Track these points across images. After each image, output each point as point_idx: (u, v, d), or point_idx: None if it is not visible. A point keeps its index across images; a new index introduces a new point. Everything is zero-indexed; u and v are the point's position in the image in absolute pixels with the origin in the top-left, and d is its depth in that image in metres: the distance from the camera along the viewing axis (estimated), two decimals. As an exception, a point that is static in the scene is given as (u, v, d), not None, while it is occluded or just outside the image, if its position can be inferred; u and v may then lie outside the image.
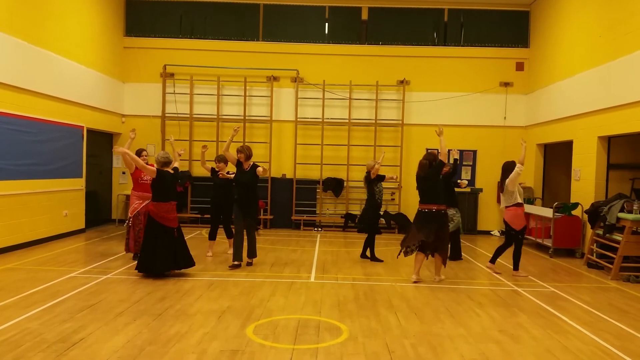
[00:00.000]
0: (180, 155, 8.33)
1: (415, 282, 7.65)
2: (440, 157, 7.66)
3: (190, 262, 7.73)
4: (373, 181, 9.28)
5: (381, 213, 10.20)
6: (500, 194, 8.44)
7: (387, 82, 13.88)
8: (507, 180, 8.16)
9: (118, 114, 13.82)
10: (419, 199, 7.73)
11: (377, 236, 9.61)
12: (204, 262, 8.78)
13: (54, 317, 5.50)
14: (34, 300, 6.14)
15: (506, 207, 8.26)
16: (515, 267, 8.41)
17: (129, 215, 8.55)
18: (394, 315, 5.99)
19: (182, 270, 7.78)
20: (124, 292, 6.60)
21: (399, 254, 7.84)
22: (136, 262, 7.71)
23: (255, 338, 5.06)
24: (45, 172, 10.28)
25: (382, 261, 9.31)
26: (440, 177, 7.71)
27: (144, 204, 8.31)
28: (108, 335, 5.01)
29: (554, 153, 13.08)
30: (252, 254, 8.58)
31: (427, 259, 7.97)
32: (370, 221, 9.42)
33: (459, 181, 9.74)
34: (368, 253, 9.50)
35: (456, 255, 9.54)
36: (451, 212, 8.94)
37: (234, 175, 8.67)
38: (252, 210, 8.42)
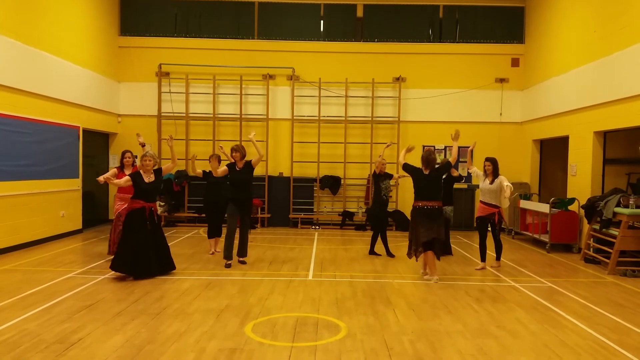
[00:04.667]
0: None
1: (432, 279, 7.55)
2: (450, 159, 7.85)
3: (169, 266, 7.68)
4: (379, 177, 9.39)
5: (390, 210, 10.26)
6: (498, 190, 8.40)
7: (383, 79, 13.89)
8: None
9: (114, 114, 13.78)
10: (415, 194, 7.71)
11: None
12: (201, 261, 8.79)
13: (52, 318, 5.49)
14: (32, 301, 6.13)
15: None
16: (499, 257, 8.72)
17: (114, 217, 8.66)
18: (392, 312, 6.01)
19: (179, 270, 7.78)
20: (122, 292, 6.59)
21: (417, 258, 7.82)
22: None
23: (253, 336, 5.06)
24: (42, 173, 10.25)
25: (380, 255, 9.43)
26: (442, 177, 7.85)
27: (124, 206, 8.32)
28: (106, 335, 5.01)
29: (550, 148, 13.11)
30: (243, 252, 8.58)
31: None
32: (373, 217, 9.65)
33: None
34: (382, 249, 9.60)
35: (446, 250, 9.48)
36: (448, 208, 9.21)
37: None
38: (248, 208, 8.46)
